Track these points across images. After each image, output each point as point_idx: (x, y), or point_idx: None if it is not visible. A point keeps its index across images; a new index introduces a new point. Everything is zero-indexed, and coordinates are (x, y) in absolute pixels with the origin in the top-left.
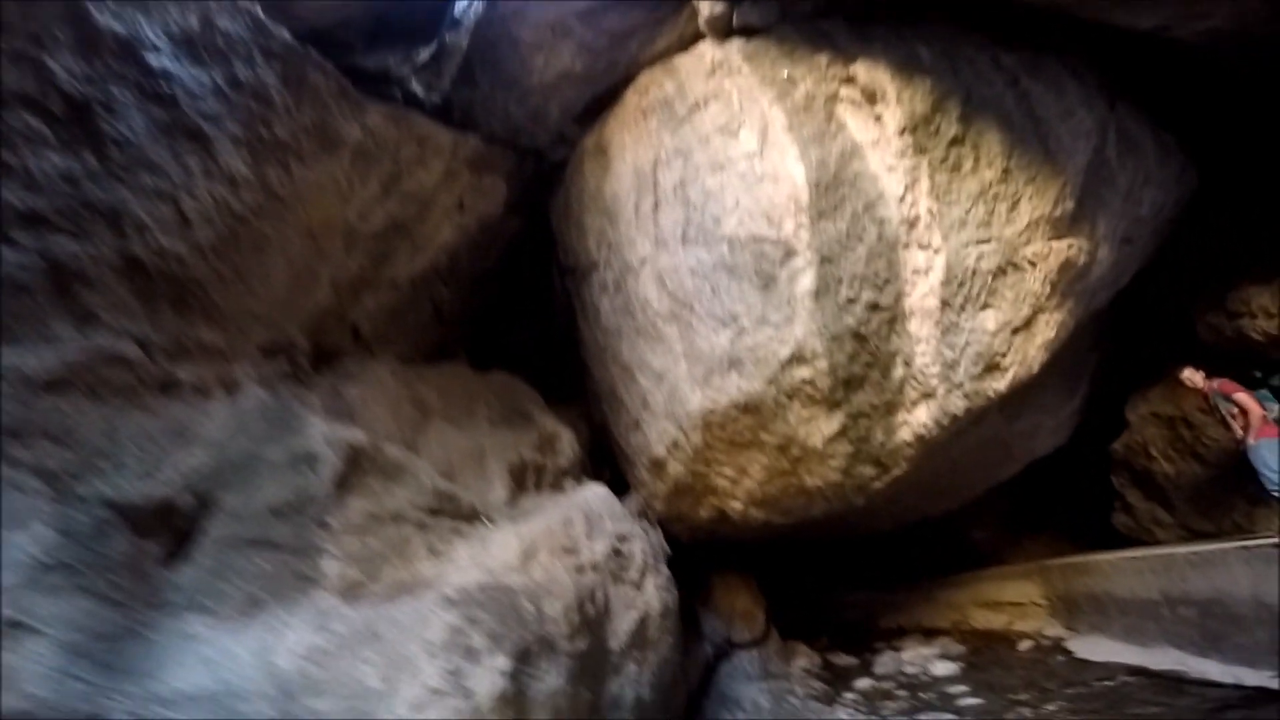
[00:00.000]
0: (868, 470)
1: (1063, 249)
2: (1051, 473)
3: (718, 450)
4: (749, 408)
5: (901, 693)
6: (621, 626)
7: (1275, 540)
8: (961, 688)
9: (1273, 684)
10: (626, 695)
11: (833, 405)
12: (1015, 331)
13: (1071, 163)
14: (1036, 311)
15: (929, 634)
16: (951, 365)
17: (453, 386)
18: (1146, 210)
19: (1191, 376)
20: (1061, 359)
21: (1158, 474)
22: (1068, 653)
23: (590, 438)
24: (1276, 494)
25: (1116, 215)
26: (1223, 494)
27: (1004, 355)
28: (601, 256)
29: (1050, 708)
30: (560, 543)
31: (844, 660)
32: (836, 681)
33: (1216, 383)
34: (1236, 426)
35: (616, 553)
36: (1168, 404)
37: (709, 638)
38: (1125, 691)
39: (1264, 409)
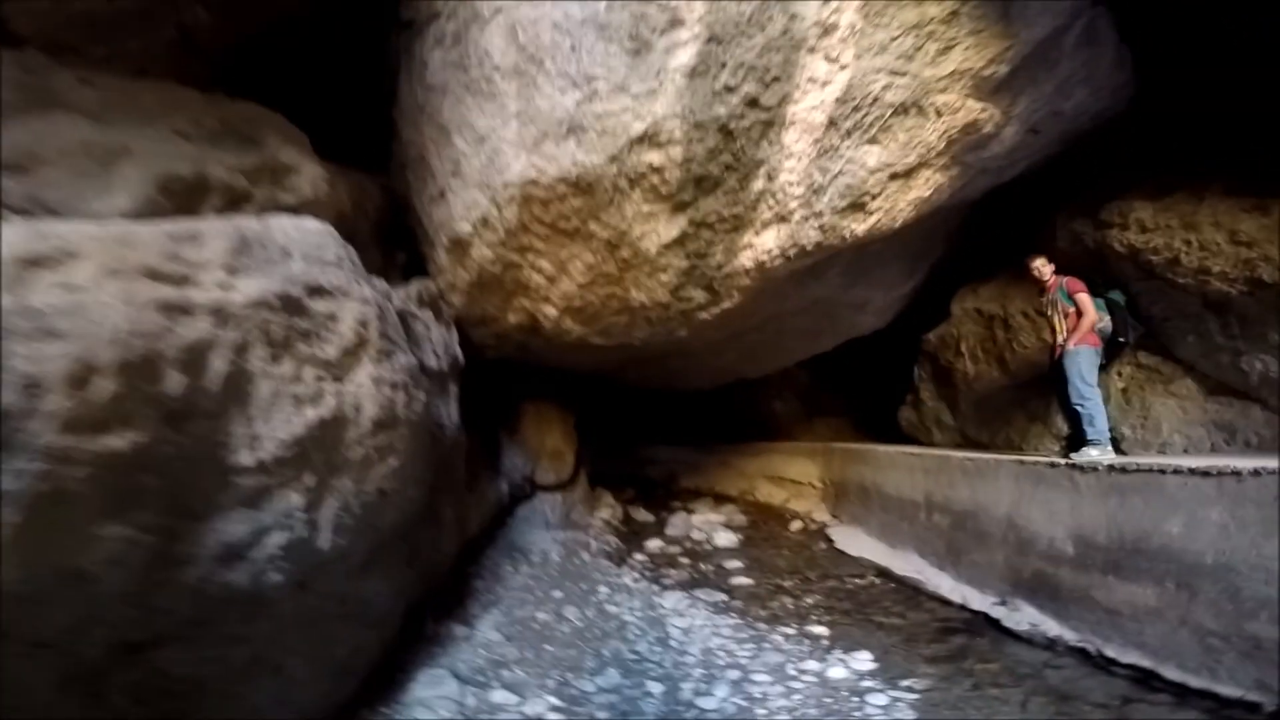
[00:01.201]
0: (698, 295)
1: (974, 110)
2: (859, 357)
3: (536, 236)
4: (582, 185)
5: (685, 560)
6: (275, 423)
7: (1050, 459)
8: (736, 564)
9: (994, 610)
10: (270, 541)
11: (678, 206)
12: (894, 177)
13: (1026, 32)
14: (922, 164)
15: (719, 500)
16: (816, 191)
17: (148, 98)
18: (1070, 109)
19: (1042, 267)
20: (918, 229)
21: (958, 372)
22: (830, 541)
23: (385, 211)
24: (1077, 406)
25: (1040, 102)
26: (1006, 406)
27: (873, 197)
28: (446, 6)
29: (808, 600)
30: (143, 261)
31: (643, 516)
32: (631, 539)
33: (1065, 279)
34: (1063, 329)
35: (292, 307)
36: (994, 303)
37: (507, 475)
38: (872, 594)
39: (1098, 316)
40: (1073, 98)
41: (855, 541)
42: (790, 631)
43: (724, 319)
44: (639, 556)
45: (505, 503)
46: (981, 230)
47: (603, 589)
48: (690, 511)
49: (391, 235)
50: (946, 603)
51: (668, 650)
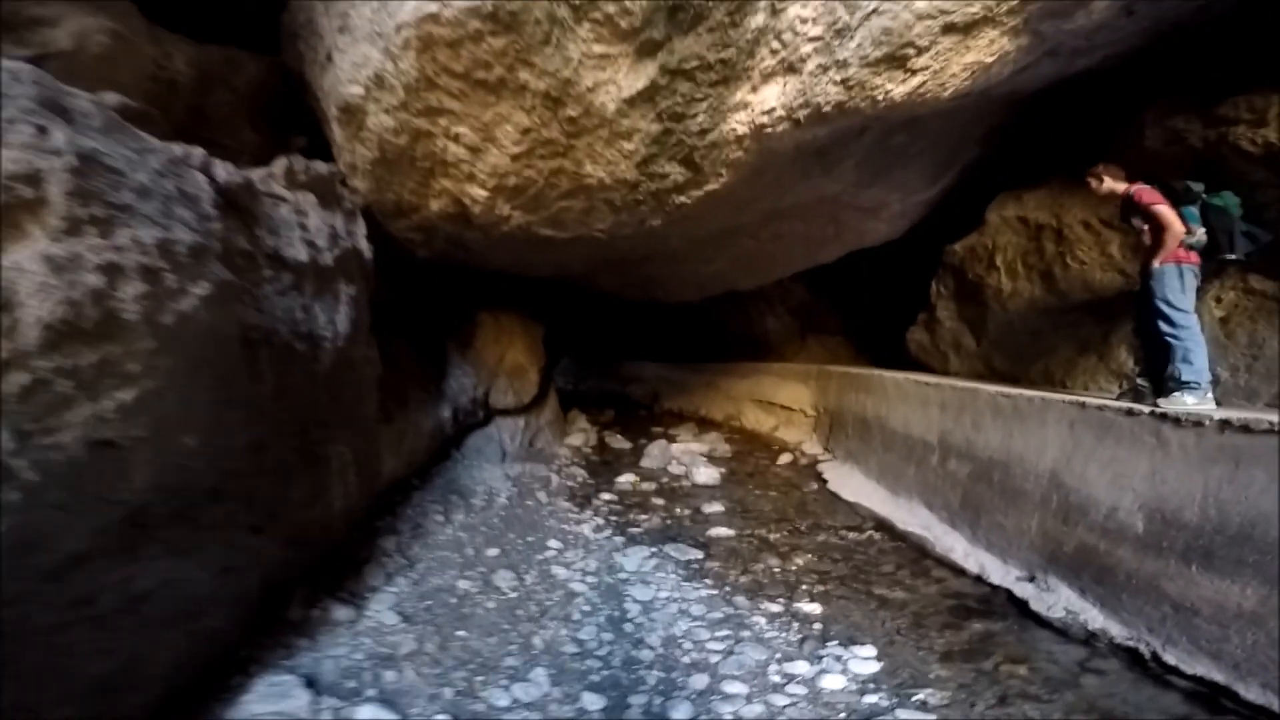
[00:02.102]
0: (675, 172)
1: None
2: (863, 269)
3: (447, 93)
4: (501, 18)
5: (658, 501)
6: None
7: (1127, 404)
8: (717, 507)
9: (1019, 588)
10: None
11: (644, 48)
12: (949, 30)
13: None
14: (987, 19)
15: (704, 425)
16: (841, 33)
17: None
18: None
19: (1112, 179)
20: (957, 118)
21: (989, 289)
22: (822, 480)
23: (265, 89)
24: (1169, 338)
25: None
26: (1049, 333)
27: (919, 52)
28: None
29: (797, 561)
30: None
31: (619, 443)
32: (601, 473)
33: (1135, 187)
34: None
35: None
36: (1044, 210)
37: (452, 399)
38: (871, 555)
39: (1186, 228)
40: None
41: (851, 483)
42: (775, 610)
43: (709, 206)
44: (606, 496)
45: (448, 432)
46: (1027, 130)
47: (553, 543)
48: (671, 439)
49: (282, 117)
50: (960, 571)
51: (620, 638)
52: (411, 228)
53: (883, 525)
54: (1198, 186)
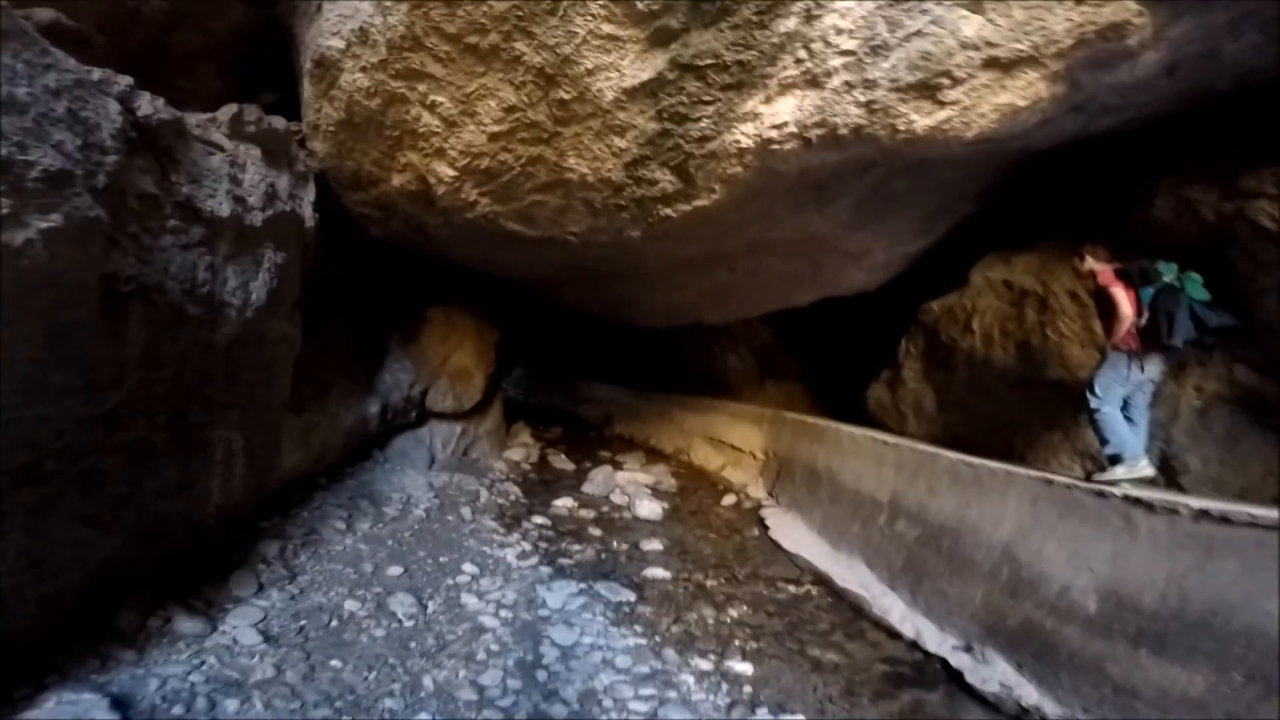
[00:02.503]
0: (665, 180)
1: (1128, 9)
2: (829, 319)
3: (433, 55)
4: None
5: (595, 531)
6: None
7: (1099, 485)
8: (655, 545)
9: (955, 658)
10: None
11: (657, 36)
12: (989, 65)
13: None
14: (1030, 59)
15: (652, 456)
16: (877, 50)
17: None
18: (1228, 55)
19: (1094, 259)
20: (958, 169)
21: (960, 352)
22: (764, 526)
23: (243, 39)
24: (1094, 411)
25: (1202, 32)
26: (1018, 406)
27: (953, 84)
28: None
29: (732, 613)
30: None
31: (562, 463)
32: (538, 493)
33: (1100, 267)
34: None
35: None
36: (1032, 276)
37: (383, 394)
38: (807, 611)
39: (1139, 314)
40: (1241, 40)
41: (793, 533)
42: (706, 667)
43: (694, 225)
44: (539, 519)
45: (372, 430)
46: (1024, 190)
47: (469, 567)
48: (617, 465)
49: (261, 71)
50: (895, 635)
51: (530, 688)
52: (369, 203)
53: (821, 580)
54: (1166, 268)
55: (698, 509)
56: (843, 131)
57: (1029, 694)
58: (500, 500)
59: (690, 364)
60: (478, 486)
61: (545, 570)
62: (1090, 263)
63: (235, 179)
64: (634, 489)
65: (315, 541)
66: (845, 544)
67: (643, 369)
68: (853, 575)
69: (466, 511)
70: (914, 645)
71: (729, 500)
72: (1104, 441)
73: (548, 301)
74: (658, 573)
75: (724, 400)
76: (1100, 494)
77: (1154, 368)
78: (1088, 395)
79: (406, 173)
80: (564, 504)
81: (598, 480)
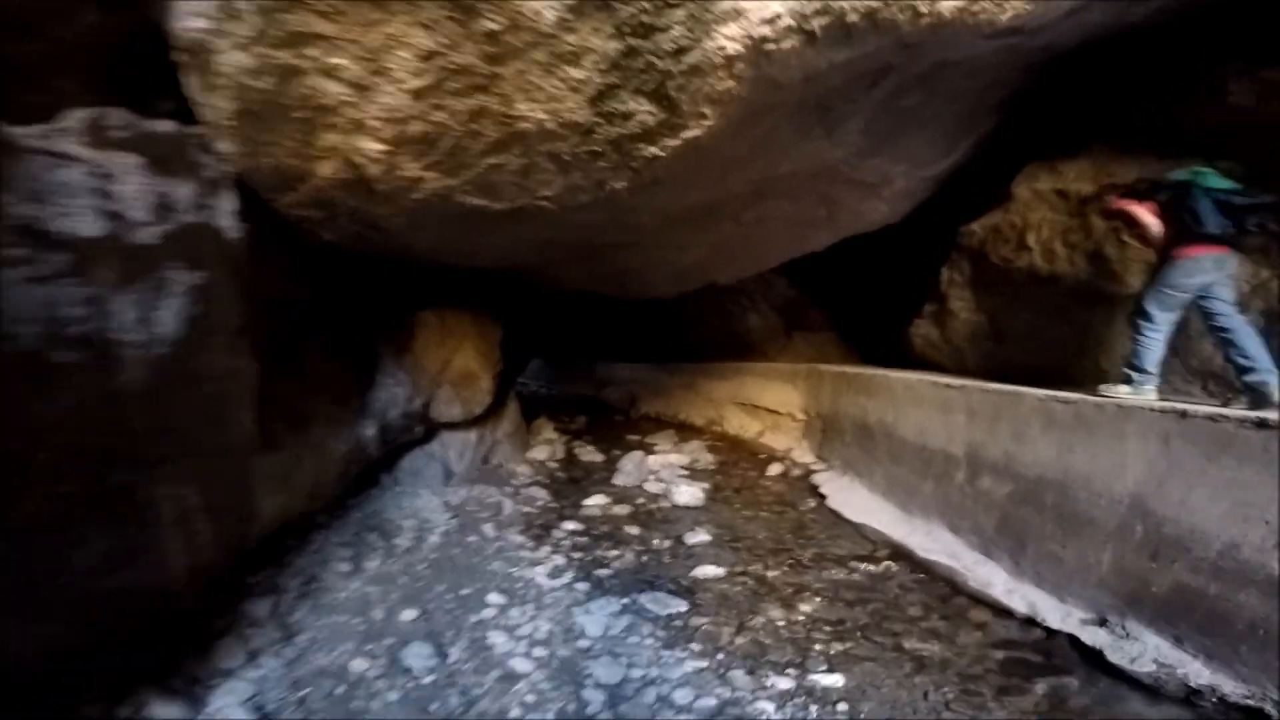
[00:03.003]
0: (642, 111)
1: None
2: (850, 261)
3: (313, 8)
4: None
5: (633, 530)
6: None
7: (1250, 413)
8: (702, 537)
9: (1088, 634)
10: None
11: None
12: None
13: None
14: None
15: (683, 431)
16: None
17: None
18: None
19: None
20: (976, 76)
21: (1017, 272)
22: (820, 495)
23: (114, 40)
24: (1137, 326)
25: None
26: (1098, 327)
27: None
28: None
29: (803, 608)
30: None
31: (589, 455)
32: (567, 494)
33: (1114, 195)
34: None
35: None
36: (1088, 181)
37: (378, 414)
38: (891, 594)
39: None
40: None
41: (853, 499)
42: (786, 686)
43: (689, 164)
44: (570, 525)
45: (372, 454)
46: (1048, 100)
47: (495, 597)
48: (648, 449)
49: (143, 79)
50: (1002, 611)
51: None
52: (303, 203)
53: (899, 552)
54: (1176, 173)
55: (742, 485)
56: (852, 19)
57: (1198, 672)
58: (526, 509)
59: (710, 329)
60: (500, 497)
61: (581, 587)
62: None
63: (104, 193)
64: (669, 473)
65: (315, 590)
66: (918, 507)
67: (661, 342)
68: (936, 544)
69: (489, 528)
70: (1030, 622)
71: (775, 470)
72: (1131, 355)
73: (551, 287)
74: (709, 571)
75: (751, 361)
76: (1262, 424)
77: (1208, 269)
78: (1135, 311)
79: (331, 159)
80: (596, 502)
81: (628, 469)
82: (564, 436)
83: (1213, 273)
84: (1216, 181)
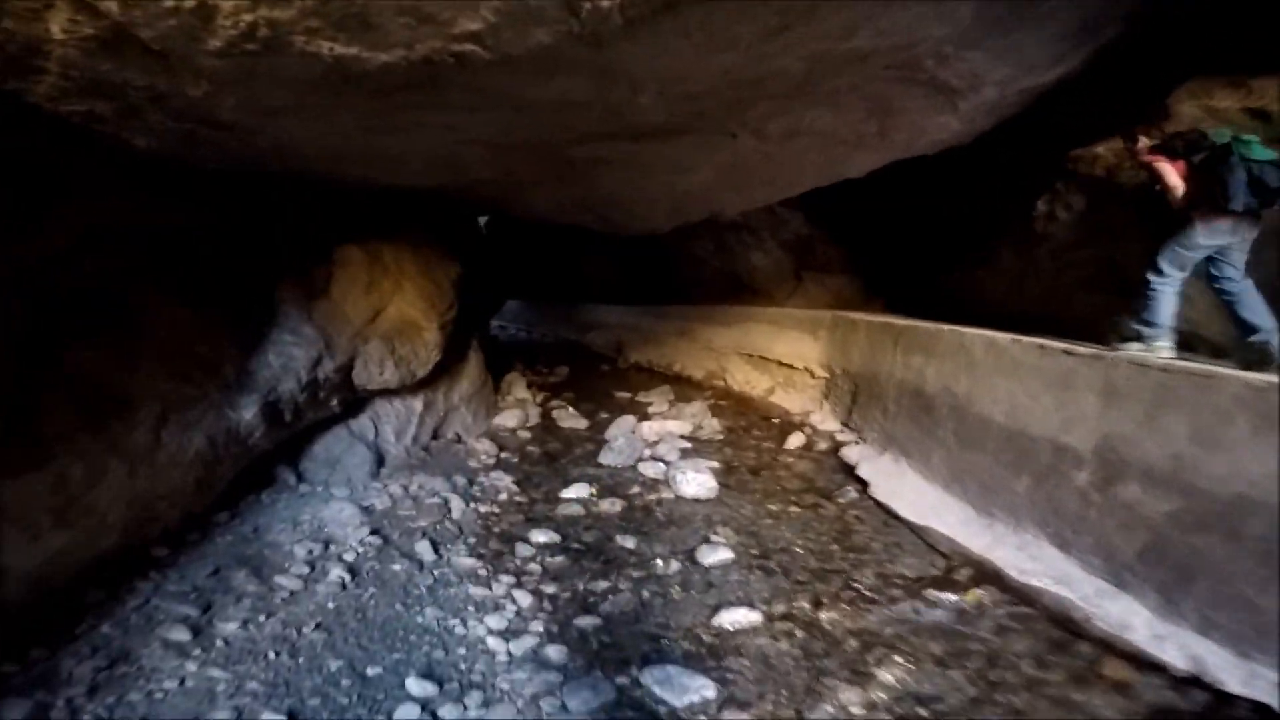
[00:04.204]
0: None
1: None
2: (887, 185)
3: None
4: None
5: (626, 542)
6: None
7: None
8: (720, 554)
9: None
10: None
11: None
12: None
13: None
14: None
15: (680, 386)
16: None
17: None
18: None
19: (1147, 138)
20: None
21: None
22: (859, 481)
23: None
24: (1149, 284)
25: None
26: None
27: None
28: None
29: (883, 678)
30: None
31: (570, 422)
32: (538, 484)
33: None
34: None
35: None
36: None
37: (265, 384)
38: (992, 638)
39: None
40: None
41: (904, 489)
42: None
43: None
44: (541, 537)
45: (254, 444)
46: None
47: (417, 686)
48: (642, 412)
49: None
50: (1149, 665)
51: None
52: (66, 91)
53: (984, 573)
54: (1219, 134)
55: (759, 463)
56: None
57: None
58: (484, 508)
59: (707, 269)
60: (448, 492)
61: (554, 655)
62: (1143, 142)
63: None
64: (668, 447)
65: (125, 680)
66: (1003, 509)
67: (650, 282)
68: (1036, 563)
69: (424, 548)
70: (1193, 682)
71: (795, 441)
72: (1142, 310)
73: (527, 221)
74: (740, 617)
75: (759, 306)
76: None
77: (1225, 234)
78: (1149, 268)
79: (65, 6)
80: (577, 495)
81: (619, 443)
82: (540, 395)
83: (1228, 237)
84: (1260, 152)
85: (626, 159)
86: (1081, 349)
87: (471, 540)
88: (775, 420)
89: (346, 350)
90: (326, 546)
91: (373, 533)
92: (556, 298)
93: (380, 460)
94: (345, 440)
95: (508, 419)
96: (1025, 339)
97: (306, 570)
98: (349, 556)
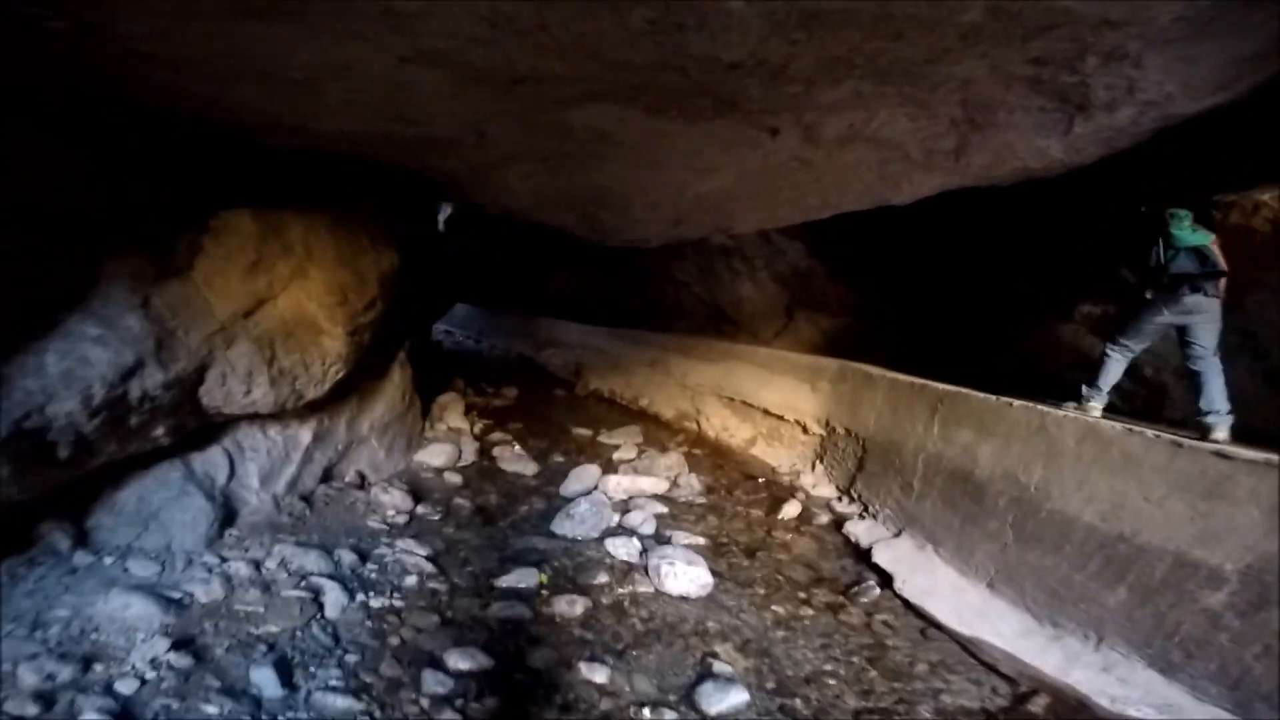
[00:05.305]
0: None
1: None
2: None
3: None
4: None
5: (597, 676)
6: None
7: None
8: (736, 698)
9: None
10: None
11: None
12: None
13: None
14: None
15: (646, 424)
16: None
17: None
18: None
19: None
20: None
21: None
22: (879, 571)
23: None
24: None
25: None
26: None
27: None
28: None
29: None
30: None
31: (514, 463)
32: (469, 559)
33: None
34: None
35: None
36: None
37: (26, 397)
38: None
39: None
40: None
41: (938, 585)
42: None
43: None
44: (461, 662)
45: None
46: None
47: None
48: (604, 459)
49: None
50: None
51: None
52: None
53: (1064, 700)
54: (1180, 213)
55: (753, 541)
56: None
57: None
58: (377, 602)
59: (687, 296)
60: (323, 573)
61: None
62: None
63: None
64: (642, 516)
65: None
66: (1079, 622)
67: (618, 303)
68: (1131, 689)
69: (265, 677)
70: None
71: (790, 511)
72: (1095, 374)
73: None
74: None
75: (742, 341)
76: None
77: (1176, 312)
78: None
79: None
80: (520, 582)
81: (581, 508)
82: (480, 423)
83: (1184, 316)
84: (1187, 235)
85: (636, 143)
86: (1243, 453)
87: (350, 661)
88: (760, 480)
89: (195, 354)
90: (87, 668)
91: (179, 645)
92: (511, 307)
93: (228, 516)
94: (173, 485)
95: (434, 454)
96: (1146, 430)
97: (34, 714)
98: (125, 687)
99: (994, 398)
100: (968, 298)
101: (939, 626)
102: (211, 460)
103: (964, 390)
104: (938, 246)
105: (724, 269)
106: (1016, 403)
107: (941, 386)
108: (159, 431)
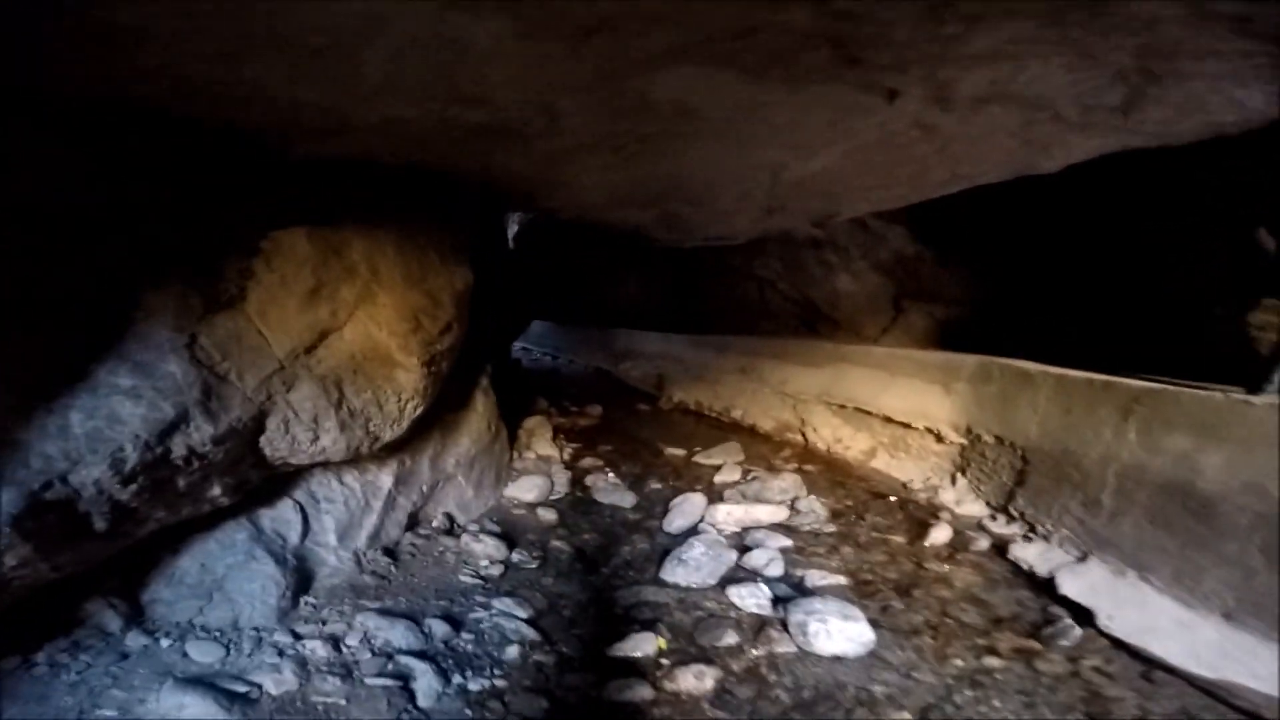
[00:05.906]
0: None
1: None
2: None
3: None
4: None
5: None
6: None
7: None
8: None
9: None
10: None
11: None
12: None
13: None
14: None
15: (743, 437)
16: None
17: None
18: None
19: None
20: None
21: None
22: (1073, 608)
23: None
24: None
25: None
26: None
27: None
28: None
29: None
30: None
31: (609, 494)
32: (575, 621)
33: None
34: None
35: None
36: None
37: (44, 463)
38: None
39: None
40: None
41: (1159, 621)
42: None
43: None
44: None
45: None
46: None
47: None
48: (709, 484)
49: None
50: None
51: None
52: None
53: None
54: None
55: (903, 576)
56: None
57: None
58: (475, 684)
59: (770, 295)
60: (412, 652)
61: None
62: None
63: None
64: (766, 555)
65: None
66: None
67: (695, 308)
68: None
69: None
70: None
71: (939, 535)
72: None
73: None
74: None
75: (842, 339)
76: None
77: None
78: None
79: None
80: (636, 652)
81: (694, 547)
82: (569, 447)
83: None
84: None
85: (726, 118)
86: None
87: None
88: (892, 499)
89: (251, 402)
90: None
91: None
92: (584, 319)
93: (302, 581)
94: (239, 549)
95: (525, 488)
96: None
97: None
98: None
99: (1220, 394)
100: (1128, 277)
101: (1169, 669)
102: (282, 517)
103: (1171, 387)
104: (1085, 217)
105: (814, 262)
106: (1258, 400)
107: (1135, 383)
108: (215, 491)
